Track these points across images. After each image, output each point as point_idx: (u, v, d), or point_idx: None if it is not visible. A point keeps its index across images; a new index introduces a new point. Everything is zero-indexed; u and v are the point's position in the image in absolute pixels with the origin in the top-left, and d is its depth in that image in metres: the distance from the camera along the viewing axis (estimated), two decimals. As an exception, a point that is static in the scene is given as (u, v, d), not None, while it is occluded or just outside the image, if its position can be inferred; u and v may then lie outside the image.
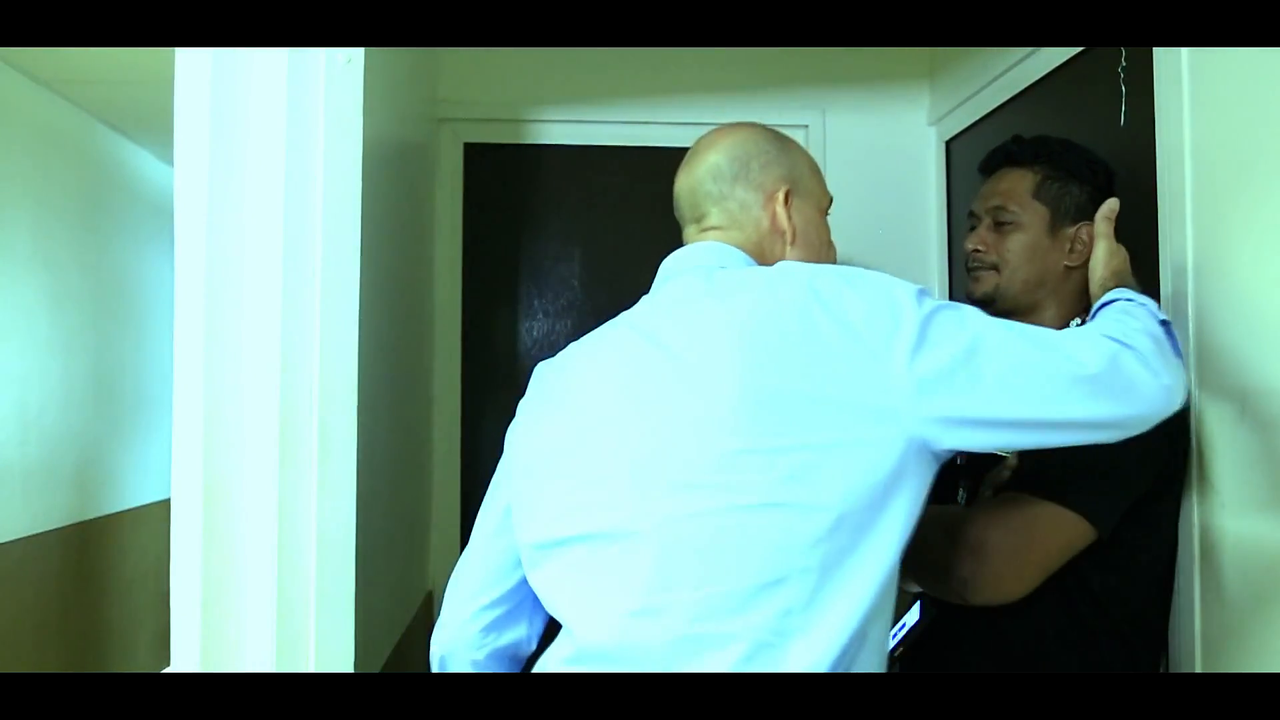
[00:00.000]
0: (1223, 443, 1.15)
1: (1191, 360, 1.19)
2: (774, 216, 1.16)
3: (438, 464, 2.23)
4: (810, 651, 0.97)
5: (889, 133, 2.26)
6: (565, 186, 2.31)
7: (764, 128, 1.20)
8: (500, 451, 1.44)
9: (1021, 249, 1.33)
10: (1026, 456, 1.20)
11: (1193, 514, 1.18)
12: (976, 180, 2.04)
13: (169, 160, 3.24)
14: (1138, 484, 1.15)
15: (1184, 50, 1.22)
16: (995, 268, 1.35)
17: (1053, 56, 1.69)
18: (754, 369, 0.90)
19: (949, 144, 2.18)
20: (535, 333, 2.29)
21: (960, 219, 2.15)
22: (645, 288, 1.32)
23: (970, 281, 1.38)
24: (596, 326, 1.26)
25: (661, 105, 2.27)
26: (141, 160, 3.21)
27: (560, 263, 2.31)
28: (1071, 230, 1.32)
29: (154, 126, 2.92)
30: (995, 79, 1.89)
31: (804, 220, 1.16)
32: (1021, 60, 1.79)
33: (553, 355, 1.24)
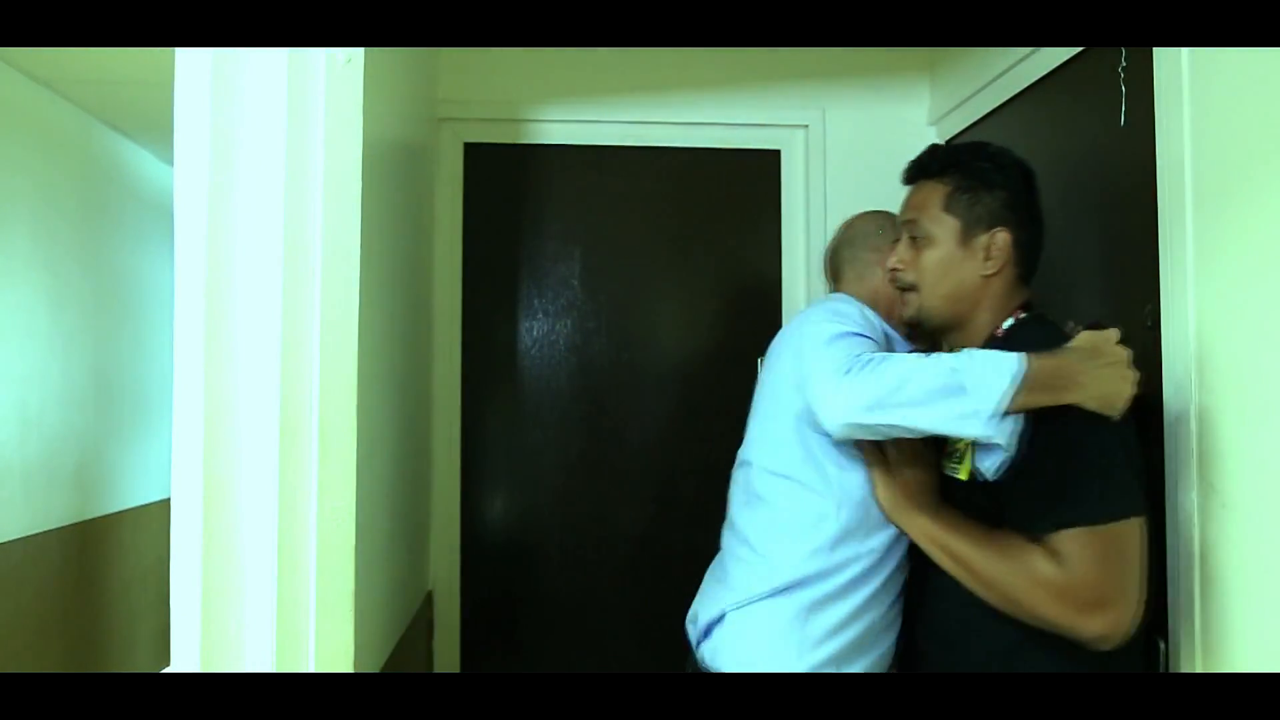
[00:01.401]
0: (1223, 443, 1.15)
1: (1192, 360, 1.19)
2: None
3: (438, 464, 2.23)
4: None
5: (889, 133, 2.26)
6: (565, 186, 2.31)
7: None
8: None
9: (935, 265, 1.34)
10: (1035, 476, 1.20)
11: (1193, 514, 1.18)
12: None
13: (169, 160, 3.24)
14: (1137, 463, 1.16)
15: (1184, 50, 1.22)
16: (914, 288, 1.37)
17: (1053, 56, 1.69)
18: None
19: (949, 144, 2.18)
20: (535, 332, 2.29)
21: (960, 219, 2.15)
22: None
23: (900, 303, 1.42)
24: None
25: (661, 105, 2.27)
26: (141, 160, 3.21)
27: (560, 263, 2.31)
28: (984, 238, 1.32)
29: (154, 126, 2.92)
30: (995, 79, 1.89)
31: None
32: (1021, 60, 1.79)
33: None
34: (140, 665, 3.11)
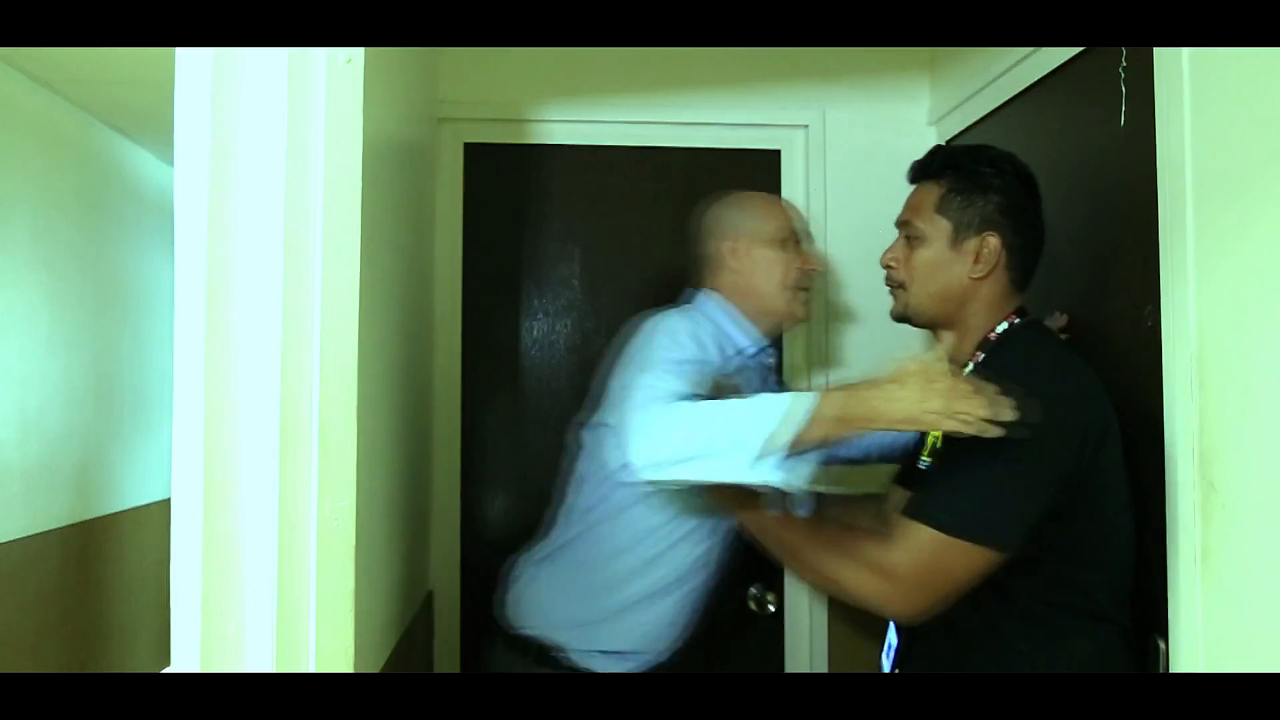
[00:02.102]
0: (1223, 443, 1.14)
1: (1192, 361, 1.19)
2: None
3: (438, 464, 2.23)
4: None
5: (889, 133, 2.26)
6: (565, 186, 2.31)
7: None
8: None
9: (924, 264, 1.37)
10: (936, 476, 1.30)
11: (1193, 514, 1.18)
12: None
13: (169, 160, 3.24)
14: (1041, 501, 1.19)
15: (1184, 50, 1.21)
16: (904, 285, 1.40)
17: (1053, 56, 1.68)
18: None
19: (949, 144, 2.18)
20: (535, 332, 2.29)
21: (960, 219, 2.15)
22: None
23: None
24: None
25: (661, 105, 2.27)
26: (141, 160, 3.21)
27: (560, 263, 2.31)
28: (975, 241, 1.34)
29: (154, 126, 2.91)
30: (995, 79, 1.89)
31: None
32: (1021, 60, 1.79)
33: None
34: (140, 665, 3.11)
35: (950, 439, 1.20)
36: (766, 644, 2.24)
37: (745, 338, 1.62)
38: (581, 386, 2.26)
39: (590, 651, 1.57)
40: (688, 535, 1.57)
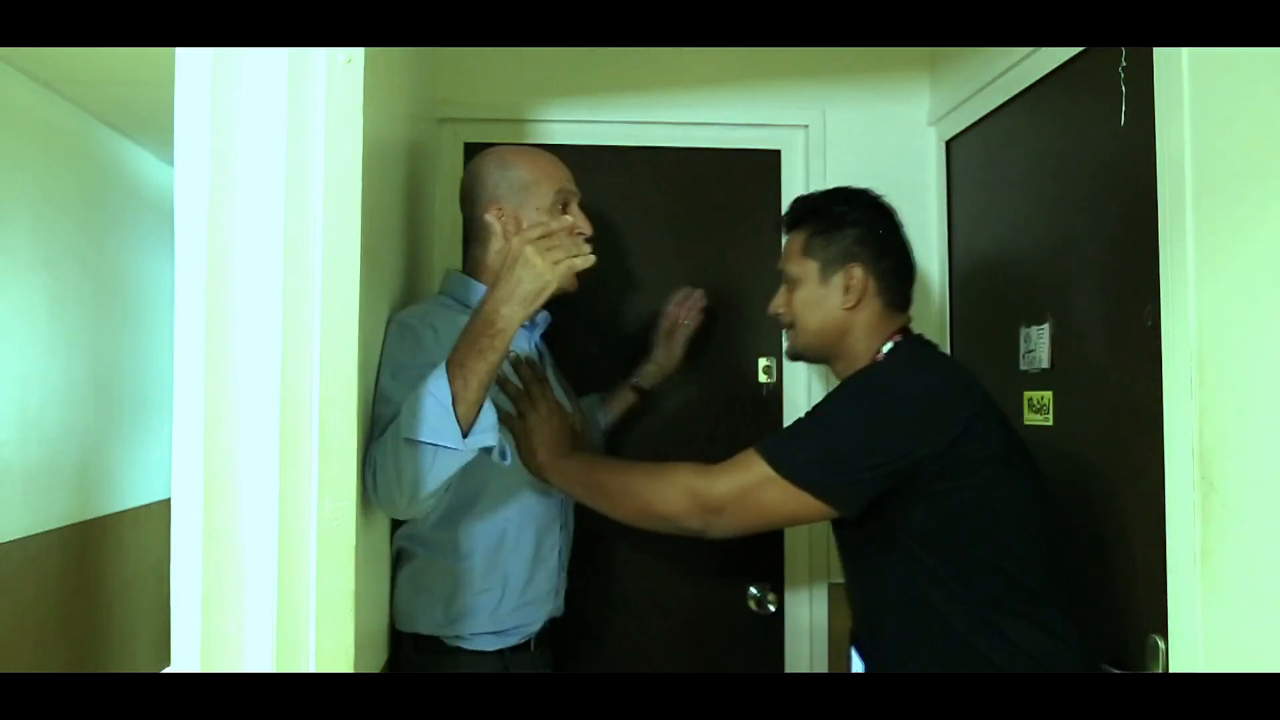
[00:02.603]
0: (1223, 443, 1.15)
1: (1192, 360, 1.19)
2: None
3: (438, 464, 2.23)
4: None
5: (889, 133, 2.26)
6: (565, 186, 2.31)
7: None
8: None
9: (802, 304, 1.50)
10: (794, 423, 1.42)
11: (1193, 514, 1.18)
12: (975, 181, 2.06)
13: (169, 160, 3.24)
14: (880, 472, 1.29)
15: (1184, 50, 1.21)
16: (792, 325, 1.53)
17: (1053, 56, 1.68)
18: None
19: (949, 144, 2.18)
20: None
21: (961, 219, 2.15)
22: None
23: None
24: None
25: (661, 105, 2.27)
26: (141, 160, 3.21)
27: (560, 263, 2.30)
28: (841, 275, 1.47)
29: (154, 126, 2.92)
30: (995, 79, 1.89)
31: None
32: (1021, 60, 1.79)
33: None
34: (140, 665, 3.11)
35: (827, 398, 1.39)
36: (766, 644, 2.24)
37: None
38: (582, 386, 2.26)
39: (477, 635, 1.52)
40: (516, 507, 1.54)
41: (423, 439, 1.24)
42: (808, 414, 1.41)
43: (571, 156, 2.35)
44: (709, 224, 2.30)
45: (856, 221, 1.48)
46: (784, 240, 1.56)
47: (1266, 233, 1.08)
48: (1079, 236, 1.65)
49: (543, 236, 1.29)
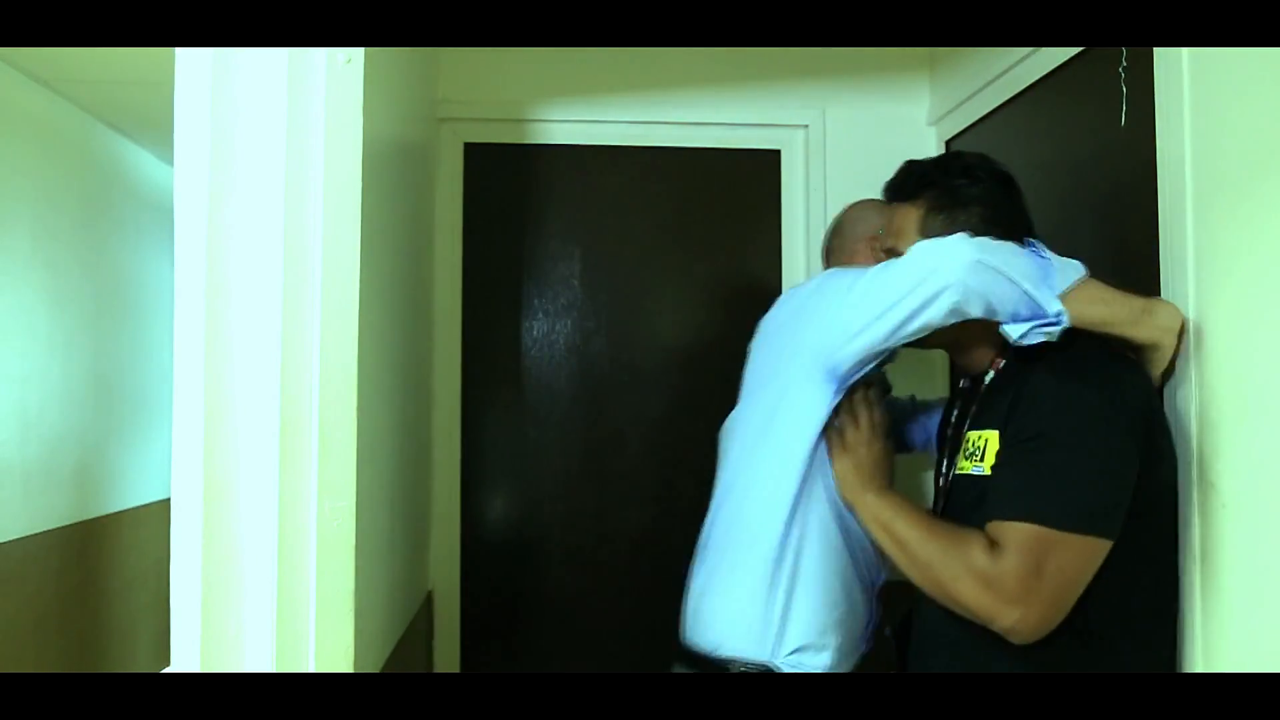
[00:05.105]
0: (1223, 443, 1.15)
1: (1191, 360, 1.19)
2: None
3: (438, 463, 2.23)
4: None
5: (889, 133, 2.26)
6: (565, 186, 2.31)
7: None
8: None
9: None
10: (1015, 476, 1.17)
11: (1193, 514, 1.18)
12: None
13: (169, 160, 3.24)
14: (1129, 482, 1.12)
15: (1184, 50, 1.21)
16: None
17: (1053, 56, 1.68)
18: None
19: (949, 144, 2.18)
20: (535, 332, 2.29)
21: (960, 219, 2.15)
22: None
23: None
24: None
25: (661, 105, 2.27)
26: (141, 160, 3.21)
27: (560, 263, 2.31)
28: None
29: (154, 126, 2.91)
30: (995, 79, 1.89)
31: None
32: (1021, 60, 1.79)
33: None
34: (140, 665, 3.11)
35: (1012, 442, 1.16)
36: (766, 644, 2.24)
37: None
38: (581, 387, 2.26)
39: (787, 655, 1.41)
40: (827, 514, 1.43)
41: (1017, 279, 1.16)
42: (1014, 450, 1.18)
43: (571, 156, 2.36)
44: (709, 224, 2.30)
45: (980, 198, 1.29)
46: (892, 213, 1.37)
47: (1267, 233, 1.08)
48: (1079, 236, 1.65)
49: None
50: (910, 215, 1.33)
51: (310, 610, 0.82)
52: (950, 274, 1.18)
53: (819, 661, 1.38)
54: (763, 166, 2.31)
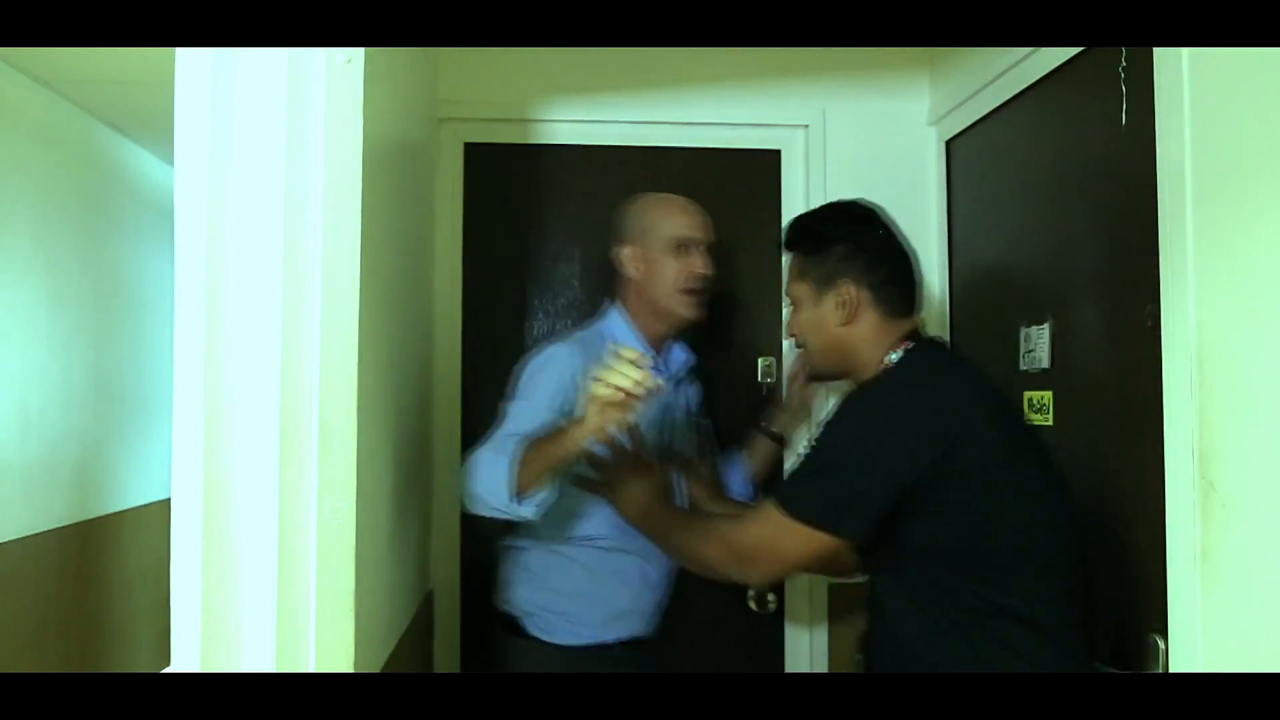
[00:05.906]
0: (1223, 443, 1.15)
1: (1192, 361, 1.19)
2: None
3: (438, 463, 2.23)
4: None
5: (889, 133, 2.26)
6: (565, 186, 2.31)
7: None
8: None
9: (806, 326, 1.52)
10: (798, 464, 1.43)
11: (1193, 514, 1.18)
12: (974, 180, 2.06)
13: (169, 160, 3.24)
14: (881, 496, 1.30)
15: (1184, 50, 1.21)
16: (805, 346, 1.55)
17: (1053, 56, 1.68)
18: None
19: (949, 144, 2.18)
20: (535, 332, 2.29)
21: (961, 219, 2.15)
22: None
23: None
24: (596, 326, 1.27)
25: (662, 105, 2.27)
26: (141, 160, 3.21)
27: (560, 263, 2.31)
28: (832, 294, 1.47)
29: (154, 126, 2.91)
30: (995, 79, 1.89)
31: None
32: (1021, 60, 1.79)
33: None
34: (140, 665, 3.11)
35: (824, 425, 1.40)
36: (766, 644, 2.24)
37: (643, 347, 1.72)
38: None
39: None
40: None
41: (478, 490, 1.50)
42: (809, 445, 1.42)
43: (571, 156, 2.36)
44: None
45: (841, 237, 1.48)
46: (784, 264, 1.58)
47: (1267, 233, 1.08)
48: (1079, 236, 1.65)
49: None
50: (793, 263, 1.55)
51: (310, 610, 0.82)
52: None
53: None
54: (763, 166, 2.31)
